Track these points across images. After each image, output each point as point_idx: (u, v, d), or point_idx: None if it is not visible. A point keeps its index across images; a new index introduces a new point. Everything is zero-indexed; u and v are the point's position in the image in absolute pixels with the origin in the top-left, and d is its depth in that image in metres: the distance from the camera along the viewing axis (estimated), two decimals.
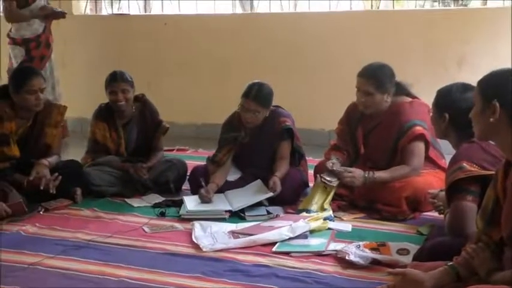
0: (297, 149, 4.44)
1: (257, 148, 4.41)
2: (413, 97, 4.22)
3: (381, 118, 4.16)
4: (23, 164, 4.21)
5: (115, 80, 4.58)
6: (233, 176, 4.43)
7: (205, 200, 4.12)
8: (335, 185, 3.98)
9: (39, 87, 4.20)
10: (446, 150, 3.82)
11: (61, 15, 5.94)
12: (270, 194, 4.09)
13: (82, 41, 7.28)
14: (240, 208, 4.03)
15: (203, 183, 4.26)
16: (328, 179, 4.00)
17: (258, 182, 4.27)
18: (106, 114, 4.69)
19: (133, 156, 4.66)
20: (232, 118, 4.51)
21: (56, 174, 4.15)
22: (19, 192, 4.07)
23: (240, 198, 4.14)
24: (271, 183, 4.12)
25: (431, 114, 3.27)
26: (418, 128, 4.01)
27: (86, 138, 4.82)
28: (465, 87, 3.10)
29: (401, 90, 4.19)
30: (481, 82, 2.32)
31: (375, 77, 4.06)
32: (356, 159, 4.26)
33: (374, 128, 4.21)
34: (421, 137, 4.02)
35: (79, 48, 7.28)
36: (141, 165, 4.51)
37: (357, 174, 3.98)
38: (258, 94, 4.27)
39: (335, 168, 4.02)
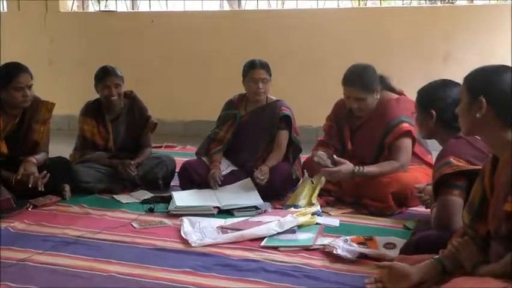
0: (295, 141, 4.48)
1: (254, 134, 4.45)
2: (399, 93, 4.23)
3: (369, 115, 4.17)
4: (11, 161, 4.20)
5: (109, 75, 4.56)
6: (223, 170, 4.44)
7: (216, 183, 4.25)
8: (328, 164, 3.98)
9: (26, 83, 4.18)
10: (433, 146, 3.85)
11: None
12: (259, 202, 4.08)
13: (68, 38, 7.26)
14: (228, 208, 4.03)
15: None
16: (322, 158, 4.00)
17: (248, 181, 4.29)
18: (94, 110, 4.67)
19: (121, 151, 4.66)
20: (233, 98, 4.62)
21: (45, 172, 4.12)
22: (7, 189, 4.04)
23: (229, 196, 4.15)
24: (258, 171, 4.19)
25: (415, 115, 3.25)
26: (405, 124, 4.02)
27: (73, 135, 4.80)
28: (445, 82, 3.12)
29: (384, 83, 4.18)
30: (468, 78, 2.33)
31: (362, 81, 4.05)
32: (343, 156, 4.26)
33: (361, 125, 4.22)
34: (408, 133, 4.03)
35: (65, 45, 7.26)
36: (129, 162, 4.50)
37: (344, 168, 3.97)
38: (263, 63, 4.44)
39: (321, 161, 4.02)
